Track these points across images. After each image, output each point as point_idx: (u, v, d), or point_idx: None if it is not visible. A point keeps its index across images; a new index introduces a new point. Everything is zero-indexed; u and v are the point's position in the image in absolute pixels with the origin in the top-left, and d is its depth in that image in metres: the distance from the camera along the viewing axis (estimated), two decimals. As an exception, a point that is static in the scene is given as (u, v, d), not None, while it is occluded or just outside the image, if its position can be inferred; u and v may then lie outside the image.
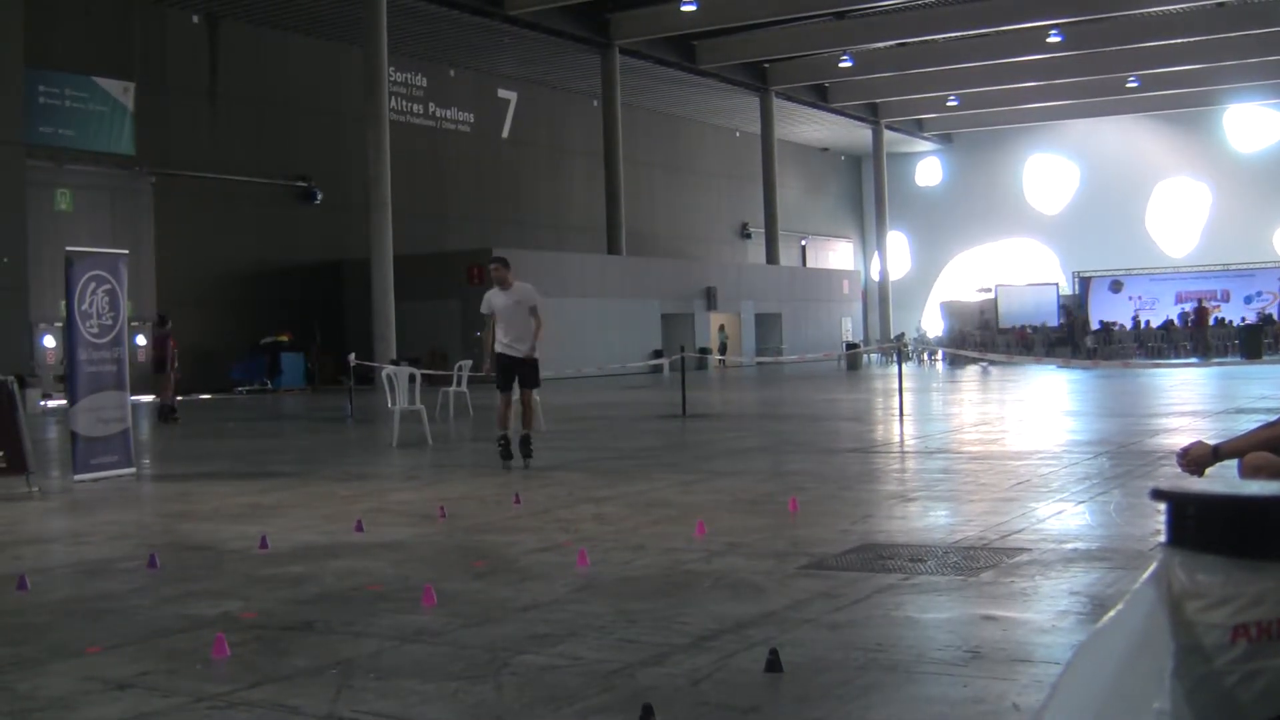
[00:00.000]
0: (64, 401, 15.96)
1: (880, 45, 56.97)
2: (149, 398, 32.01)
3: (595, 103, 55.91)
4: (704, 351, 52.99)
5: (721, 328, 59.06)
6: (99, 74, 41.00)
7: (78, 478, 15.61)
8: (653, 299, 53.68)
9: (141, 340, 38.73)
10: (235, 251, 44.89)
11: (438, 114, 53.61)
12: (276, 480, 15.34)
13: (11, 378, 15.86)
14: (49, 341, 38.21)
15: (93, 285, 16.21)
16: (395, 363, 28.50)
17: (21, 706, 5.76)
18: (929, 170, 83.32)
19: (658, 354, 50.77)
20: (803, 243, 76.64)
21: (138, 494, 15.01)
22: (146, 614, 7.76)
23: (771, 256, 64.15)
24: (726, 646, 6.38)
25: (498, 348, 15.87)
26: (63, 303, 16.36)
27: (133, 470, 16.38)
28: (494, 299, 15.91)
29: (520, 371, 15.94)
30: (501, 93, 56.56)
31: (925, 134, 78.69)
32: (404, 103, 51.13)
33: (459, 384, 26.00)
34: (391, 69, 44.19)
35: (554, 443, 19.25)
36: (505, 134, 56.58)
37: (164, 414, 27.93)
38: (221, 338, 43.14)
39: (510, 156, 56.40)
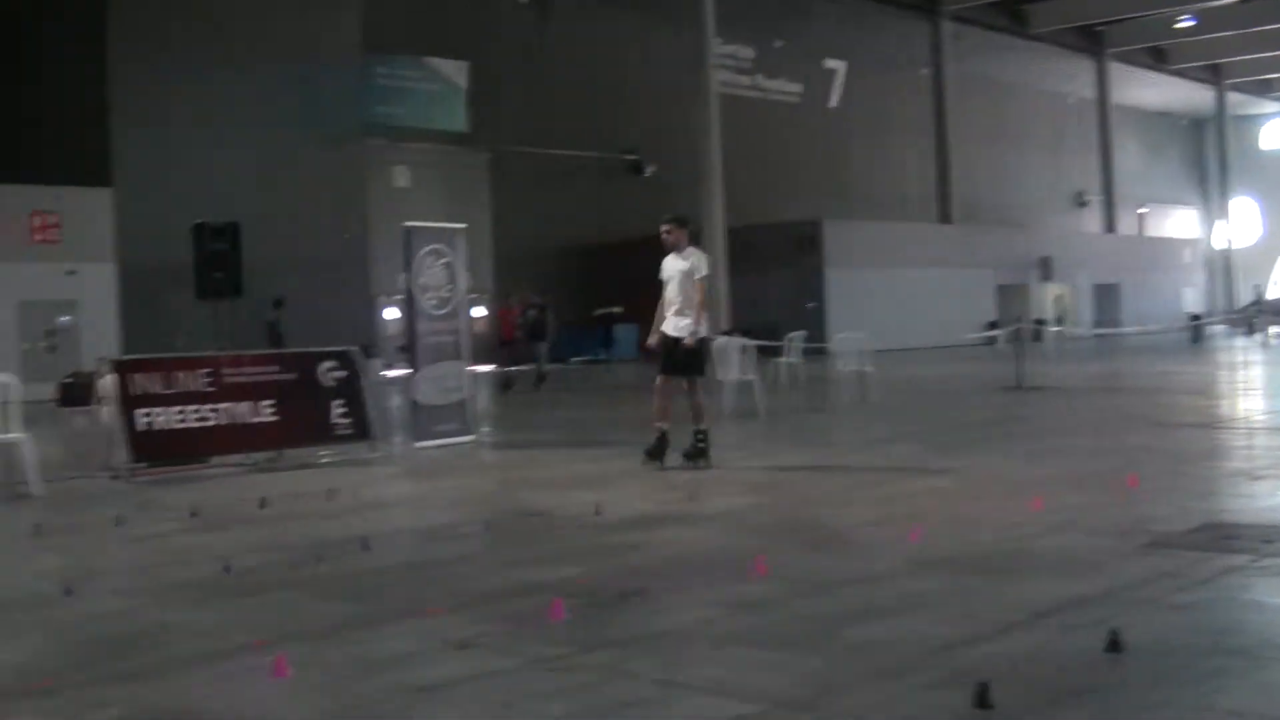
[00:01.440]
0: (405, 372, 16.49)
1: (1223, 3, 54.65)
2: (487, 368, 32.93)
3: (924, 70, 55.14)
4: (1040, 323, 51.84)
5: (1058, 298, 57.68)
6: (432, 55, 42.22)
7: (419, 445, 16.12)
8: (986, 269, 52.75)
9: (480, 312, 39.82)
10: (567, 225, 45.73)
11: (765, 85, 53.59)
12: (610, 449, 15.55)
13: (356, 349, 16.48)
14: (390, 314, 39.53)
15: (431, 259, 16.70)
16: (726, 334, 28.62)
17: (368, 662, 5.96)
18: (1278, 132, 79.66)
19: (992, 325, 49.85)
20: (1141, 210, 74.21)
21: (477, 460, 15.42)
22: (485, 577, 7.96)
23: (1109, 225, 62.33)
24: (1064, 624, 6.20)
25: (663, 325, 13.67)
26: (402, 276, 16.89)
27: (471, 438, 16.84)
28: (665, 265, 13.78)
29: (678, 357, 13.49)
30: (829, 63, 56.19)
31: (1274, 94, 75.27)
32: (732, 75, 51.25)
33: (791, 355, 25.97)
34: (718, 40, 44.28)
35: (885, 415, 19.08)
36: (833, 104, 56.23)
37: (537, 380, 29.57)
38: (557, 310, 43.98)
39: (838, 126, 56.02)
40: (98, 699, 5.49)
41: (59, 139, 34.70)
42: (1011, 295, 53.38)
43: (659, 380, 13.58)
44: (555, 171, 45.41)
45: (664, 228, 13.69)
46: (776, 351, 27.16)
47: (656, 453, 13.29)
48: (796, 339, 26.37)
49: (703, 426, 13.33)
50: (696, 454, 13.32)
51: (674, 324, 13.39)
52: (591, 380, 33.27)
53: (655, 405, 13.50)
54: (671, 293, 13.48)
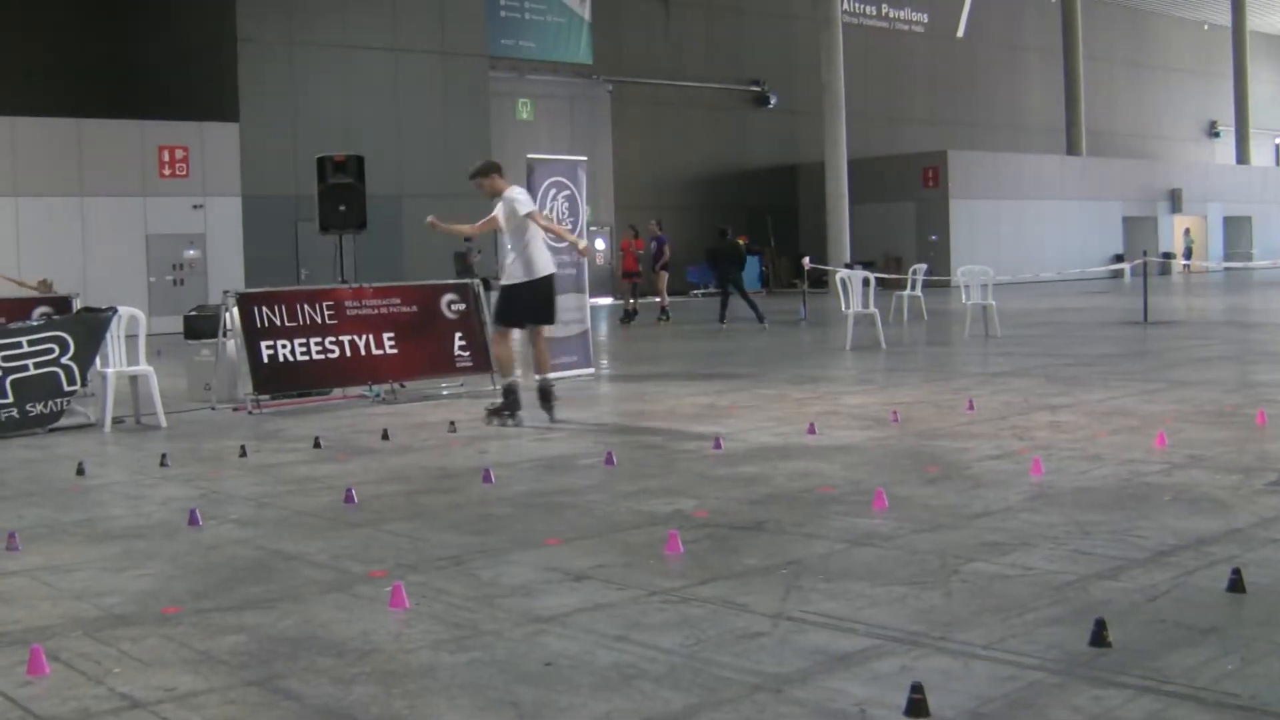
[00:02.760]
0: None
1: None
2: (606, 300, 33.02)
3: (1053, -2, 54.15)
4: (1167, 256, 50.95)
5: (1187, 231, 56.61)
6: (557, -14, 42.24)
7: (539, 377, 16.16)
8: (1113, 201, 51.87)
9: (601, 245, 39.90)
10: (690, 156, 45.62)
11: (891, 14, 52.92)
12: (730, 382, 15.54)
13: (477, 281, 16.56)
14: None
15: (553, 191, 16.72)
16: (849, 266, 28.46)
17: (486, 593, 6.00)
18: None
19: (1118, 258, 49.08)
20: (1277, 141, 72.46)
21: (596, 393, 15.46)
22: (603, 509, 7.98)
23: (1242, 156, 60.96)
24: (1186, 563, 6.09)
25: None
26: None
27: (591, 370, 16.89)
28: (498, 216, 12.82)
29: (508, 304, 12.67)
30: (957, -10, 55.42)
31: None
32: (856, 4, 50.65)
33: (913, 288, 25.75)
34: (844, -31, 43.87)
35: (1007, 348, 18.88)
36: (960, 33, 55.38)
37: (659, 313, 30.05)
38: (679, 242, 43.97)
39: (965, 56, 55.20)
40: (221, 626, 5.57)
41: (186, 74, 35.13)
42: (1139, 228, 52.46)
43: (494, 332, 13.33)
44: (677, 103, 45.27)
45: (475, 184, 12.80)
46: (899, 284, 26.96)
47: (506, 409, 12.50)
48: (919, 271, 26.12)
49: (547, 376, 12.72)
50: (504, 409, 12.52)
51: (506, 270, 12.65)
52: (712, 312, 33.19)
53: (499, 358, 13.09)
54: (507, 240, 12.68)
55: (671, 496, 8.24)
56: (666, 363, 19.31)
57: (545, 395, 12.55)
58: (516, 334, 13.13)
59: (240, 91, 34.06)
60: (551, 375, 12.89)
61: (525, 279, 12.38)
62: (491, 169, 12.73)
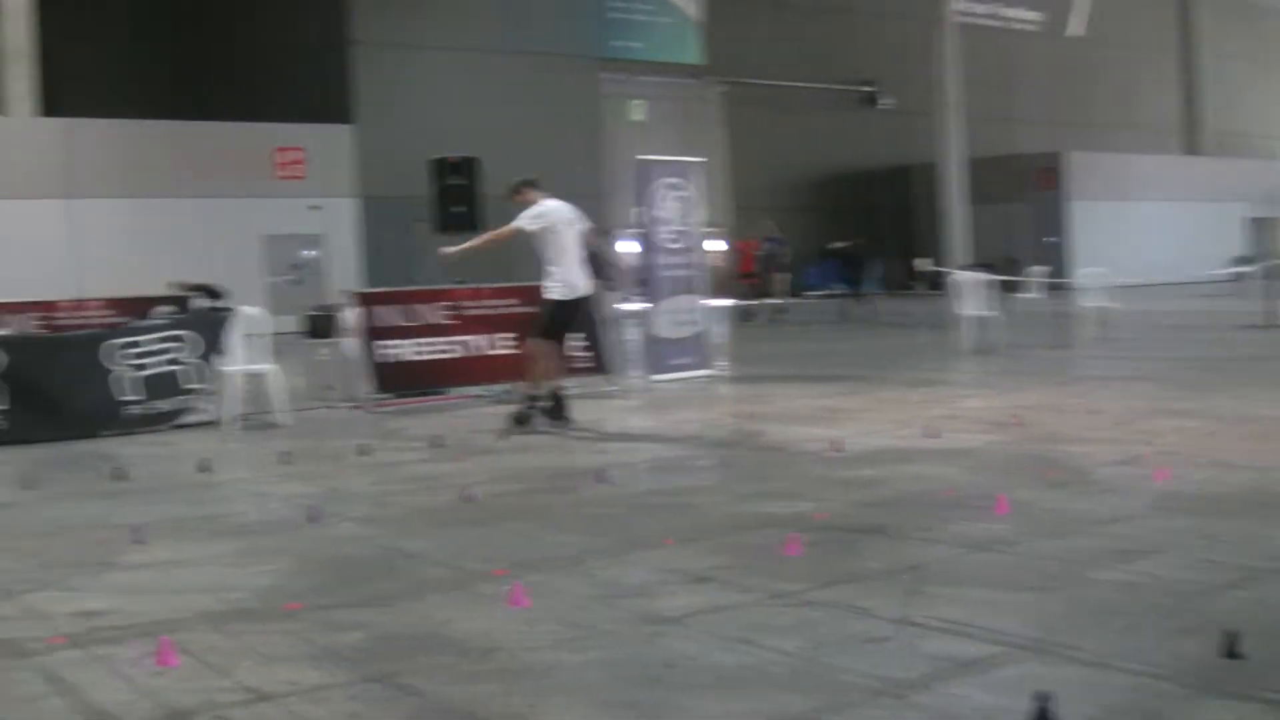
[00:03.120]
0: (642, 305, 16.60)
1: None
2: (723, 301, 32.99)
3: (1173, -7, 53.35)
4: (1290, 258, 50.04)
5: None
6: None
7: (655, 378, 16.20)
8: (1236, 202, 50.97)
9: (716, 246, 39.85)
10: (803, 157, 45.46)
11: (1005, 14, 52.35)
12: (848, 384, 15.46)
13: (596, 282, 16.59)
14: (625, 248, 39.73)
15: (667, 192, 16.72)
16: (966, 268, 28.22)
17: (604, 593, 6.00)
18: None
19: (1240, 260, 48.24)
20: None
21: (712, 394, 15.45)
22: (721, 510, 7.96)
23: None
24: (1321, 572, 5.97)
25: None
26: (638, 210, 16.95)
27: (708, 371, 16.87)
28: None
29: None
30: (1072, -11, 54.67)
31: None
32: (969, 3, 50.16)
33: (1032, 290, 25.48)
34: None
35: (1128, 351, 18.63)
36: (1074, 31, 54.56)
37: (774, 313, 30.15)
38: (792, 243, 43.84)
39: (1080, 55, 54.43)
40: (341, 622, 5.62)
41: (302, 76, 35.53)
42: (1263, 229, 51.51)
43: (537, 344, 12.65)
44: (790, 103, 45.11)
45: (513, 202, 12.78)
46: (1017, 286, 26.69)
47: (556, 412, 12.43)
48: (1037, 273, 25.84)
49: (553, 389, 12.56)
50: (526, 418, 12.38)
51: (549, 285, 12.50)
52: (827, 314, 33.04)
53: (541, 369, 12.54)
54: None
55: (791, 499, 8.20)
56: (783, 364, 19.24)
57: (560, 403, 12.48)
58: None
59: (355, 93, 34.40)
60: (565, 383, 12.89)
61: (569, 297, 12.43)
62: (522, 184, 12.76)
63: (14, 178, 29.72)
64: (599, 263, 29.66)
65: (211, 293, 24.39)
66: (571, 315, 12.51)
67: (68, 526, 8.18)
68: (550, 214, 12.37)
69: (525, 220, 12.30)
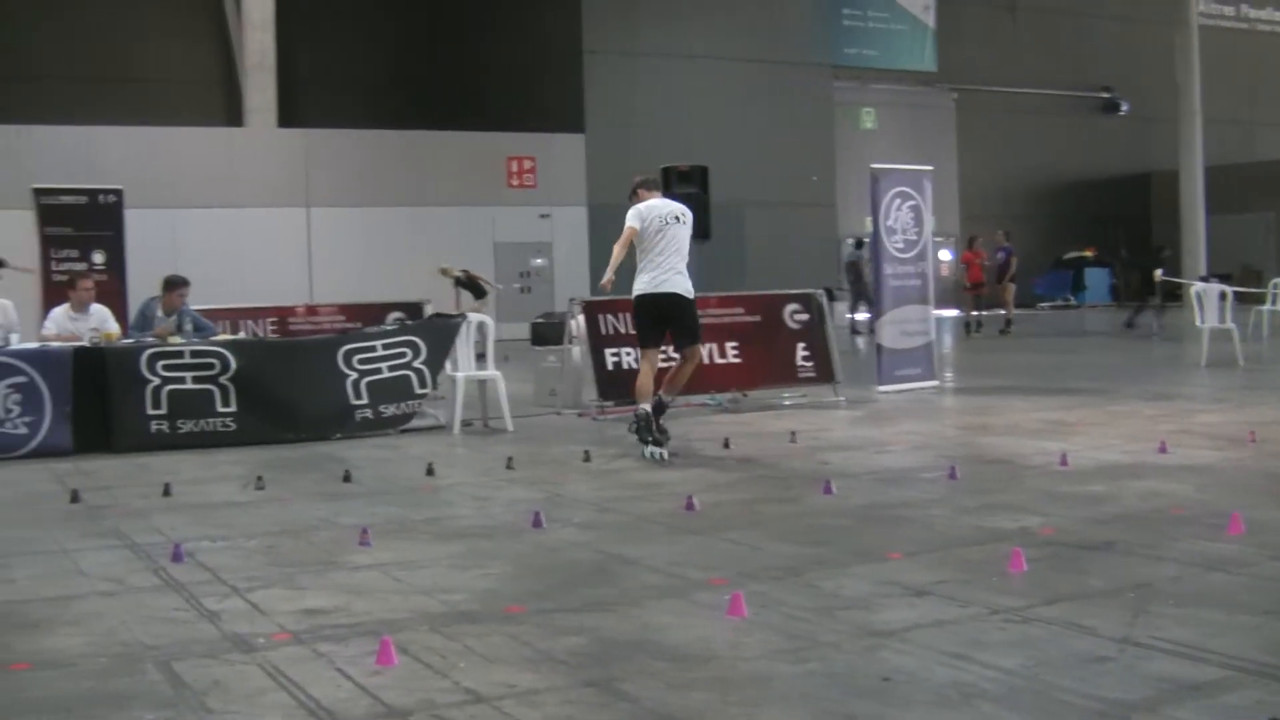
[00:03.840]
0: (868, 315, 16.44)
1: None
2: (951, 312, 32.61)
3: None
4: None
5: None
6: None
7: (881, 388, 16.06)
8: None
9: (945, 256, 39.40)
10: (1036, 165, 44.66)
11: (1251, 14, 50.72)
12: (1077, 397, 15.13)
13: (821, 291, 16.53)
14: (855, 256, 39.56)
15: (897, 201, 16.57)
16: (1204, 279, 27.44)
17: (824, 604, 5.95)
18: None
19: None
20: None
21: (938, 406, 15.26)
22: (944, 524, 7.85)
23: None
24: None
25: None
26: (868, 218, 16.82)
27: (934, 383, 16.68)
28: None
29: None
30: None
31: None
32: (1213, 5, 48.71)
33: (1274, 303, 24.67)
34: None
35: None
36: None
37: (1004, 325, 29.54)
38: (1023, 252, 43.11)
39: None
40: (562, 627, 5.66)
41: (535, 85, 35.99)
42: None
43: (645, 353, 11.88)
44: (1024, 110, 44.35)
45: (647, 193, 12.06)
46: (1258, 299, 25.85)
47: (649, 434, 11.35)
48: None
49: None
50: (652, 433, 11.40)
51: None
52: (1059, 325, 32.45)
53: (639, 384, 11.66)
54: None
55: (1015, 513, 8.04)
56: (1011, 376, 18.91)
57: (656, 411, 11.47)
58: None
59: (586, 103, 34.74)
60: (673, 398, 11.98)
61: (645, 291, 11.64)
62: (635, 186, 12.16)
63: (254, 187, 30.65)
64: (855, 275, 29.58)
65: (476, 289, 24.91)
66: (650, 312, 11.63)
67: (295, 526, 8.39)
68: (646, 211, 11.77)
69: (630, 218, 11.82)
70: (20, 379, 12.13)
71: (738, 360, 15.39)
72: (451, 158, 32.71)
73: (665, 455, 11.09)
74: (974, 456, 10.70)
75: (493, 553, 7.33)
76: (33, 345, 13.24)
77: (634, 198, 11.97)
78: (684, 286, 11.61)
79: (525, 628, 5.66)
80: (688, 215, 11.89)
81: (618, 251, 11.77)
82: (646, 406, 11.36)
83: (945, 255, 41.41)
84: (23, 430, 12.09)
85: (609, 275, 11.59)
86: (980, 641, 5.26)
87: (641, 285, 11.67)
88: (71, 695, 4.89)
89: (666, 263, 11.57)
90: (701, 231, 18.66)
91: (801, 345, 15.81)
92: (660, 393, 11.61)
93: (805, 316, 15.93)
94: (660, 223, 11.64)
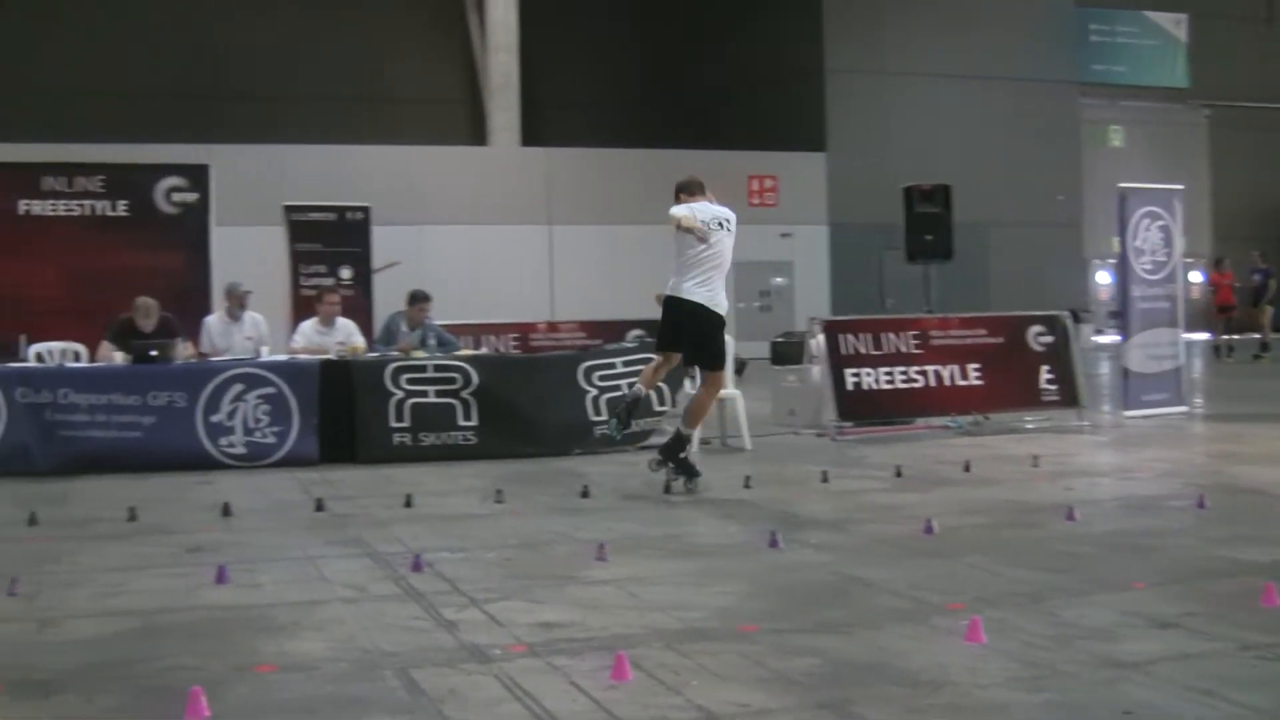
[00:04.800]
0: (1116, 338, 16.05)
1: None
2: (1202, 335, 31.69)
3: None
4: None
5: None
6: (1150, 8, 40.87)
7: (1128, 414, 15.67)
8: None
9: (1195, 277, 38.30)
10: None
11: None
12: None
13: (1066, 313, 16.21)
14: (1102, 278, 38.70)
15: (1146, 221, 16.17)
16: None
17: (1065, 633, 5.81)
18: None
19: None
20: None
21: (1187, 432, 14.83)
22: (1192, 554, 7.61)
23: None
24: None
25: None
26: (1115, 239, 16.44)
27: (1184, 408, 16.20)
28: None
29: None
30: None
31: None
32: None
33: None
34: None
35: None
36: None
37: (1259, 349, 28.63)
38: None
39: None
40: (794, 647, 5.62)
41: (775, 104, 35.96)
42: None
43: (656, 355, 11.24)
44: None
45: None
46: None
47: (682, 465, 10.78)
48: None
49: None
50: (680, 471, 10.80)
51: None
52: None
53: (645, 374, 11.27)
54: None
55: (1268, 545, 7.76)
56: (1265, 403, 18.26)
57: (675, 447, 10.77)
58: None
59: (827, 121, 34.61)
60: (697, 432, 11.26)
61: (671, 293, 10.90)
62: (677, 190, 11.21)
63: (497, 205, 31.17)
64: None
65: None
66: (672, 317, 10.87)
67: (533, 540, 8.50)
68: (689, 212, 10.83)
69: (677, 209, 10.84)
70: (269, 390, 12.55)
71: (980, 383, 15.16)
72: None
73: (617, 437, 11.09)
74: (1224, 485, 10.36)
75: (728, 571, 7.32)
76: (281, 358, 13.65)
77: (676, 202, 11.06)
78: (715, 301, 10.75)
79: (759, 647, 5.64)
80: (733, 222, 11.07)
81: (689, 219, 10.66)
82: (641, 389, 10.96)
83: (1196, 277, 40.22)
84: (271, 439, 12.51)
85: (694, 220, 10.62)
86: (1230, 678, 5.07)
87: (675, 286, 10.80)
88: (314, 698, 5.02)
89: (702, 274, 10.69)
90: (944, 251, 18.50)
91: (1045, 368, 15.51)
92: (681, 426, 10.92)
93: (1050, 339, 15.63)
94: (705, 227, 10.75)
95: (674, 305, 10.81)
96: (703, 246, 10.68)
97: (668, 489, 10.63)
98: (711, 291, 10.73)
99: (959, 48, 35.90)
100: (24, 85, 32.55)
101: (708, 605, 6.48)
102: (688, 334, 10.81)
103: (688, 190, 11.14)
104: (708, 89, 38.06)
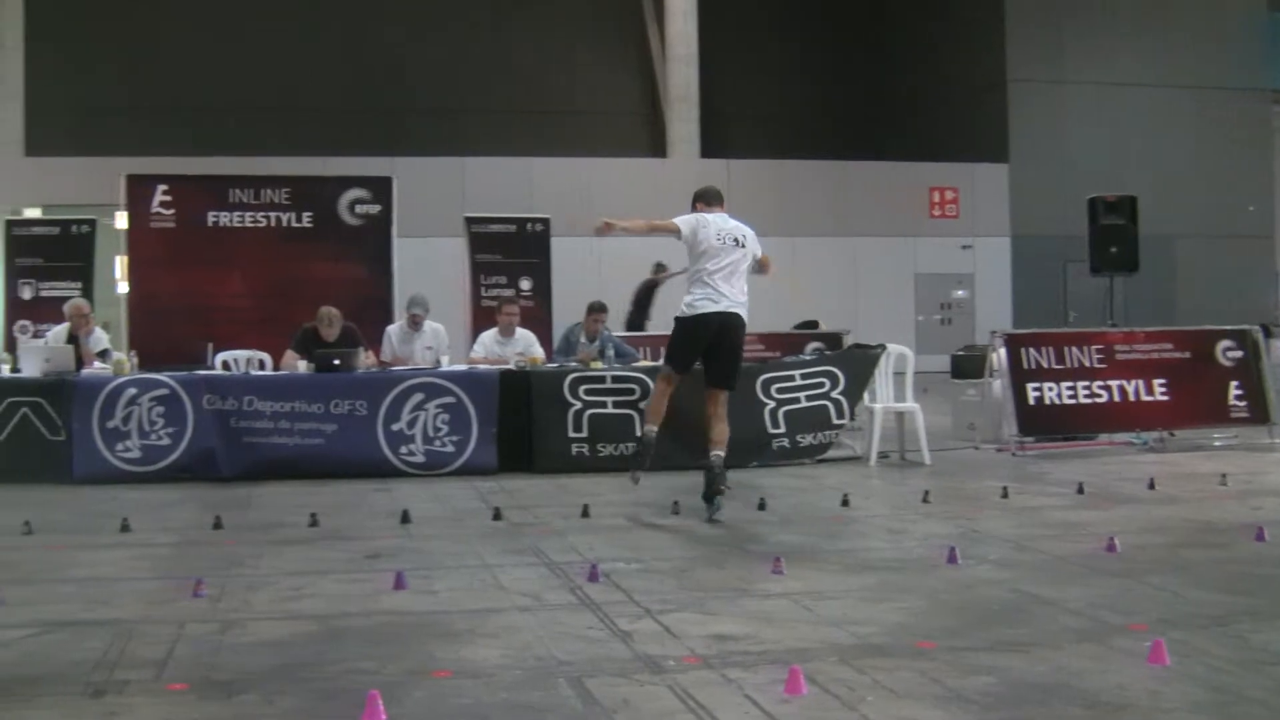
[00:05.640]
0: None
1: None
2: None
3: None
4: None
5: None
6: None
7: (711, 454, 15.08)
8: None
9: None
10: None
11: None
12: None
13: (1257, 327, 15.80)
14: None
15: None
16: None
17: (1252, 657, 5.66)
18: None
19: None
20: None
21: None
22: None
23: None
24: None
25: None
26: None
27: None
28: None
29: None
30: None
31: None
32: None
33: None
34: None
35: None
36: None
37: None
38: None
39: None
40: (972, 665, 5.55)
41: (956, 116, 35.60)
42: None
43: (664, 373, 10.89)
44: None
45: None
46: None
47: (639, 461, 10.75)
48: None
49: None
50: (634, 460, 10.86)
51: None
52: None
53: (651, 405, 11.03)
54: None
55: None
56: None
57: (709, 480, 10.27)
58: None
59: (1010, 132, 34.16)
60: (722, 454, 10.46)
61: (688, 314, 10.57)
62: (693, 199, 11.11)
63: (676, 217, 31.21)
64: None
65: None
66: (693, 333, 10.54)
67: (709, 552, 8.50)
68: (698, 223, 10.65)
69: (680, 219, 10.73)
70: (449, 399, 12.71)
71: (1165, 398, 14.82)
72: (873, 188, 32.66)
73: (638, 479, 10.68)
74: None
75: (905, 586, 7.25)
76: (461, 367, 13.81)
77: (693, 210, 10.96)
78: (741, 304, 10.60)
79: (935, 664, 5.57)
80: (750, 239, 10.81)
81: (641, 224, 10.91)
82: (653, 429, 10.62)
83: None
84: (450, 448, 12.66)
85: (614, 222, 10.56)
86: None
87: (691, 302, 10.51)
88: (488, 705, 5.07)
89: (724, 286, 10.46)
90: (1129, 264, 18.13)
91: (1235, 384, 15.12)
92: (713, 452, 10.37)
93: (1239, 354, 15.24)
94: (719, 240, 10.54)
95: (700, 324, 10.48)
96: (718, 259, 10.51)
97: (634, 481, 10.70)
98: (739, 305, 10.62)
99: (1145, 57, 35.20)
100: (212, 101, 33.41)
101: (884, 620, 6.42)
102: (723, 352, 10.56)
103: (704, 199, 11.02)
104: (888, 100, 37.82)
